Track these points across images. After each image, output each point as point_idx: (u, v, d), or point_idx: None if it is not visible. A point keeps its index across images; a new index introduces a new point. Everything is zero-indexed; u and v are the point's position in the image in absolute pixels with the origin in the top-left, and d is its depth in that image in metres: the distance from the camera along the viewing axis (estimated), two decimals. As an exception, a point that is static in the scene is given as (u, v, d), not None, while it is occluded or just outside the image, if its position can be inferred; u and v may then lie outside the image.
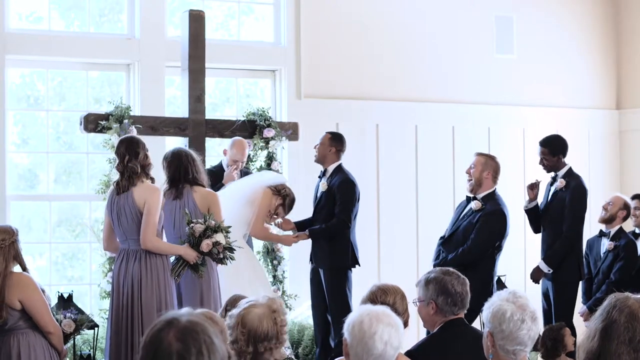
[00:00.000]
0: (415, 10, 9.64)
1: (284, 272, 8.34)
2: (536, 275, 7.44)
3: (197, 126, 7.84)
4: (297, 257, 8.46)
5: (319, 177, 7.83)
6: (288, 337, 4.28)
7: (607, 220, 7.76)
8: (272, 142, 8.31)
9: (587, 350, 3.24)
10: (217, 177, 7.69)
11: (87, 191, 8.53)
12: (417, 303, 4.56)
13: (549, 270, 7.35)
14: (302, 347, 8.21)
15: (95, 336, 7.20)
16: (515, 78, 10.05)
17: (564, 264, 7.36)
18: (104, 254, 7.50)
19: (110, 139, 7.65)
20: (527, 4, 10.13)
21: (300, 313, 8.52)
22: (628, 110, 10.46)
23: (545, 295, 7.54)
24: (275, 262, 8.29)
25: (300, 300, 8.40)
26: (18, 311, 5.30)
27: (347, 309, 7.10)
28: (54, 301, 6.83)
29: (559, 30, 10.30)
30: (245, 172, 7.97)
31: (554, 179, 7.54)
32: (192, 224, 6.17)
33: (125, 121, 7.67)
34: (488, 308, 3.55)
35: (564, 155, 7.55)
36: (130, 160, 6.06)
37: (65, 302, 6.88)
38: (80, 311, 6.89)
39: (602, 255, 7.73)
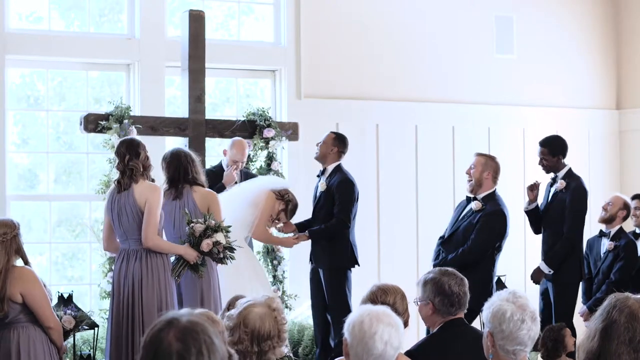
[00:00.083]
0: (415, 10, 9.64)
1: (284, 272, 8.34)
2: (537, 276, 7.44)
3: (197, 126, 7.84)
4: (297, 257, 8.46)
5: (318, 175, 7.83)
6: (288, 336, 4.28)
7: (607, 221, 7.76)
8: (272, 142, 8.32)
9: (587, 350, 3.24)
10: (217, 177, 7.69)
11: (87, 191, 8.53)
12: (418, 302, 4.56)
13: (550, 271, 7.35)
14: (302, 347, 8.21)
15: (95, 336, 7.20)
16: (515, 78, 10.05)
17: (564, 265, 7.35)
18: (104, 254, 7.50)
19: (110, 139, 7.65)
20: (527, 4, 10.13)
21: (300, 313, 8.52)
22: (628, 110, 10.46)
23: (543, 294, 7.53)
24: (275, 262, 8.30)
25: (300, 300, 8.40)
26: (19, 304, 5.30)
27: (347, 309, 7.10)
28: (54, 301, 6.83)
29: (559, 30, 10.30)
30: (245, 172, 7.97)
31: (554, 180, 7.54)
32: (192, 224, 6.17)
33: (125, 121, 7.68)
34: (488, 308, 3.55)
35: (564, 156, 7.55)
36: (131, 159, 6.07)
37: (65, 302, 6.88)
38: (80, 311, 6.89)
39: (602, 255, 7.73)
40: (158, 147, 7.66)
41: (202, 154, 7.64)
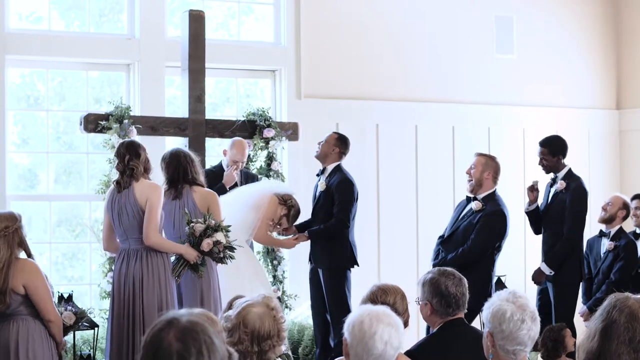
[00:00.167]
0: (415, 10, 9.65)
1: (284, 272, 8.34)
2: (538, 277, 7.44)
3: (197, 126, 7.84)
4: (297, 257, 8.46)
5: (317, 175, 7.83)
6: (287, 335, 4.29)
7: (607, 221, 7.76)
8: (272, 142, 8.32)
9: (587, 350, 3.24)
10: (217, 178, 7.69)
11: (87, 191, 8.53)
12: (419, 302, 4.56)
13: (551, 272, 7.35)
14: (302, 347, 8.21)
15: (95, 336, 7.20)
16: (515, 78, 10.05)
17: (564, 266, 7.35)
18: (104, 254, 7.50)
19: (110, 139, 7.65)
20: (527, 4, 10.13)
21: (300, 313, 8.52)
22: (628, 110, 10.46)
23: (541, 294, 7.52)
24: (275, 262, 8.30)
25: (300, 300, 8.40)
26: (21, 296, 5.31)
27: (347, 309, 7.10)
28: (54, 301, 6.83)
29: (559, 30, 10.30)
30: (245, 173, 7.97)
31: (554, 180, 7.54)
32: (192, 224, 6.17)
33: (125, 121, 7.68)
34: (488, 308, 3.55)
35: (564, 156, 7.55)
36: (132, 159, 6.07)
37: (66, 302, 6.88)
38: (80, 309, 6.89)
39: (602, 255, 7.73)
40: (158, 147, 7.67)
41: (202, 154, 7.64)
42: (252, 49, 9.08)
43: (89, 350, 7.27)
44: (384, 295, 4.37)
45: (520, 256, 9.65)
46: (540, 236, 7.63)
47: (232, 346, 3.65)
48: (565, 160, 7.56)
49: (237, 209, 7.09)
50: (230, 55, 8.93)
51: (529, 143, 9.57)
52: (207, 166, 7.90)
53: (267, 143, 8.32)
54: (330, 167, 7.72)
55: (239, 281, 6.79)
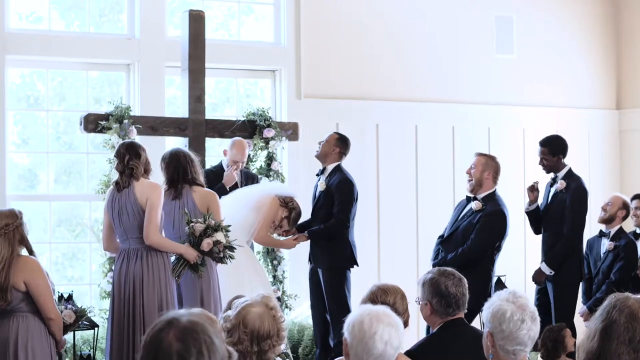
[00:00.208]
0: (415, 10, 9.65)
1: (284, 272, 8.35)
2: (538, 277, 7.44)
3: (197, 126, 7.84)
4: (297, 257, 8.46)
5: (317, 175, 7.83)
6: (287, 334, 4.29)
7: (607, 221, 7.76)
8: (272, 142, 8.32)
9: (587, 350, 3.24)
10: (217, 177, 7.69)
11: (87, 191, 8.53)
12: (419, 302, 4.56)
13: (551, 272, 7.35)
14: (302, 347, 8.21)
15: (95, 336, 7.20)
16: (515, 78, 10.05)
17: (564, 266, 7.35)
18: (104, 254, 7.50)
19: (110, 139, 7.65)
20: (527, 4, 10.13)
21: (300, 313, 8.52)
22: (628, 110, 10.46)
23: (539, 293, 7.52)
24: (275, 262, 8.30)
25: (300, 300, 8.40)
26: (22, 293, 5.30)
27: (346, 309, 7.10)
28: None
29: (559, 30, 10.30)
30: (245, 173, 7.97)
31: (554, 180, 7.54)
32: (192, 224, 6.17)
33: (125, 121, 7.68)
34: (488, 308, 3.55)
35: (564, 156, 7.55)
36: (132, 159, 6.08)
37: (66, 302, 6.88)
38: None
39: (602, 255, 7.73)
40: (158, 147, 7.67)
41: (202, 154, 7.64)
42: (252, 49, 9.08)
43: (89, 350, 7.27)
44: (384, 295, 4.37)
45: (520, 256, 9.65)
46: (540, 236, 7.63)
47: (232, 346, 3.65)
48: (565, 160, 7.56)
49: (238, 209, 7.09)
50: (230, 55, 8.93)
51: (529, 143, 9.57)
52: (207, 166, 7.90)
53: (267, 143, 8.32)
54: (330, 167, 7.72)
55: (239, 281, 6.79)
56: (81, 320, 6.15)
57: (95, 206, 8.38)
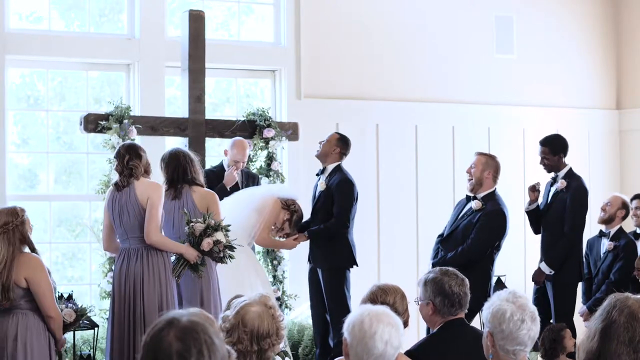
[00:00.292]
0: (415, 10, 9.65)
1: (284, 272, 8.35)
2: (538, 277, 7.44)
3: (197, 126, 7.84)
4: (297, 257, 8.46)
5: (317, 174, 7.83)
6: (286, 333, 4.29)
7: (606, 221, 7.76)
8: (272, 142, 8.32)
9: (587, 350, 3.24)
10: (218, 177, 7.69)
11: (87, 191, 8.53)
12: (419, 302, 4.56)
13: (551, 272, 7.35)
14: (302, 347, 8.21)
15: (95, 336, 7.20)
16: (515, 78, 10.05)
17: (564, 266, 7.35)
18: (104, 254, 7.50)
19: (110, 139, 7.65)
20: (527, 4, 10.13)
21: (300, 313, 8.52)
22: (628, 110, 10.46)
23: (537, 293, 7.51)
24: (275, 262, 8.30)
25: (300, 300, 8.40)
26: (22, 289, 5.30)
27: (346, 309, 7.10)
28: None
29: (559, 30, 10.30)
30: (246, 173, 7.97)
31: (554, 180, 7.54)
32: (191, 223, 6.17)
33: (125, 121, 7.68)
34: (488, 308, 3.55)
35: (565, 155, 7.55)
36: (132, 159, 6.08)
37: (66, 301, 6.88)
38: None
39: (602, 255, 7.73)
40: (158, 147, 7.67)
41: (202, 154, 7.64)
42: (252, 49, 9.08)
43: (89, 350, 7.27)
44: (384, 295, 4.37)
45: (520, 256, 9.64)
46: (540, 236, 7.63)
47: (232, 346, 3.65)
48: (566, 160, 7.56)
49: (240, 210, 7.09)
50: (230, 55, 8.93)
51: (529, 143, 9.57)
52: (207, 166, 7.90)
53: (267, 143, 8.33)
54: (330, 167, 7.72)
55: (239, 281, 6.79)
56: (82, 319, 6.16)
57: (95, 206, 8.38)
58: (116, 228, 6.16)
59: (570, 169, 7.53)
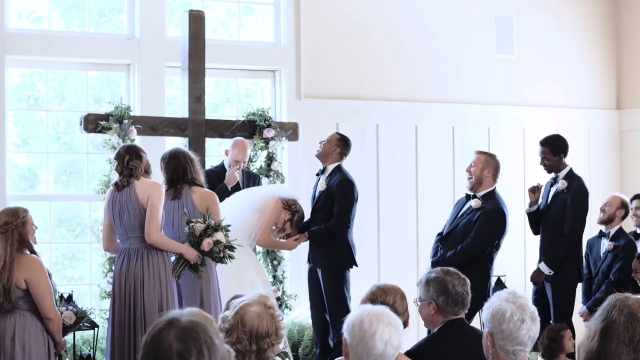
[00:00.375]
0: (415, 10, 9.65)
1: (284, 272, 8.34)
2: (537, 277, 7.43)
3: (197, 126, 7.84)
4: (297, 257, 8.46)
5: (317, 174, 7.83)
6: (285, 332, 4.29)
7: (606, 221, 7.76)
8: (272, 143, 8.32)
9: (587, 350, 3.24)
10: (219, 177, 7.69)
11: (87, 191, 8.53)
12: (418, 303, 4.56)
13: (550, 272, 7.35)
14: (302, 347, 8.21)
15: (95, 336, 7.20)
16: (515, 78, 10.05)
17: (563, 266, 7.35)
18: (104, 254, 7.50)
19: (110, 139, 7.65)
20: (527, 4, 10.13)
21: (300, 313, 8.52)
22: (628, 110, 10.46)
23: (536, 293, 7.51)
24: (275, 262, 8.30)
25: (300, 300, 8.40)
26: (22, 290, 5.30)
27: (346, 309, 7.10)
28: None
29: (559, 30, 10.30)
30: (247, 172, 7.97)
31: (555, 180, 7.54)
32: (191, 224, 6.17)
33: (125, 121, 7.68)
34: (488, 308, 3.55)
35: (565, 155, 7.55)
36: (132, 160, 6.09)
37: (66, 302, 6.88)
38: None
39: (601, 255, 7.72)
40: (158, 147, 7.67)
41: (202, 154, 7.64)
42: (252, 49, 9.08)
43: (89, 351, 7.27)
44: (383, 295, 4.37)
45: (520, 256, 9.65)
46: (539, 236, 7.63)
47: (231, 346, 3.66)
48: (566, 160, 7.56)
49: (242, 210, 7.09)
50: (230, 55, 8.93)
51: (529, 143, 9.57)
52: (208, 166, 7.90)
53: (267, 143, 8.32)
54: (330, 167, 7.73)
55: (240, 281, 6.79)
56: (82, 322, 6.16)
57: (95, 206, 8.38)
58: (116, 228, 6.16)
59: (571, 170, 7.53)
